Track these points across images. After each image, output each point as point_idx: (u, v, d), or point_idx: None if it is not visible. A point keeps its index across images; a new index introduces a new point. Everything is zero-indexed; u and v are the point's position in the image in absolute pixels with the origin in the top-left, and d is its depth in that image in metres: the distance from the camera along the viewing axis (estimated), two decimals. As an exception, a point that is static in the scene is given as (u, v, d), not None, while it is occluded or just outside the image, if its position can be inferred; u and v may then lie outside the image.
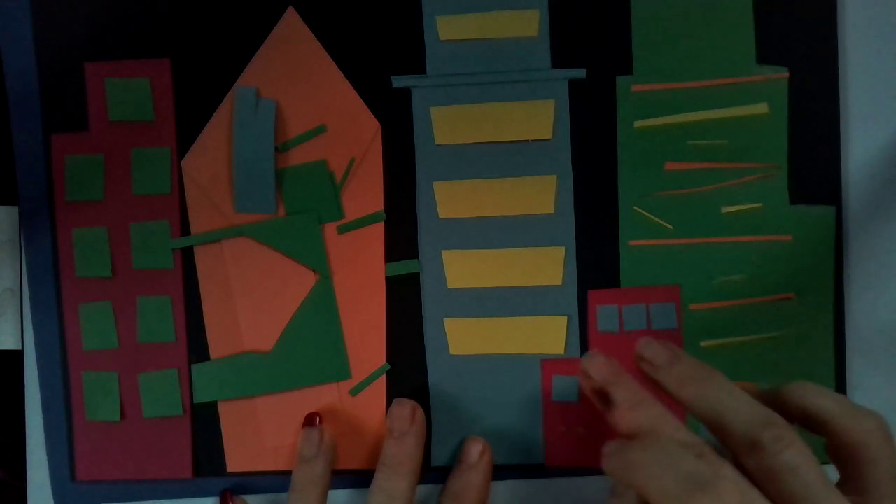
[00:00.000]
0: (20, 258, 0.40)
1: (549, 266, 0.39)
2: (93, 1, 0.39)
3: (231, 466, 0.39)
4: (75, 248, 0.39)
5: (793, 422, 0.30)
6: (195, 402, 0.39)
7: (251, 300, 0.39)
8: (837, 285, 0.38)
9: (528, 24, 0.38)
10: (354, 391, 0.39)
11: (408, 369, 0.39)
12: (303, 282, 0.39)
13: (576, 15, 0.38)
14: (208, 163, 0.39)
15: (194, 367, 0.39)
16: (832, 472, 0.30)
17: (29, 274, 0.39)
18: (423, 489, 0.39)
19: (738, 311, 0.38)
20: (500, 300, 0.39)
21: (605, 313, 0.38)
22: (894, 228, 0.38)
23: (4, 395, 0.40)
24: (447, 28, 0.38)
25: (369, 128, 0.39)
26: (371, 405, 0.39)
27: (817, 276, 0.38)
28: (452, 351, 0.39)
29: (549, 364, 0.39)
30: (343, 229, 0.39)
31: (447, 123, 0.39)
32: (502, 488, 0.39)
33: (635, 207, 0.38)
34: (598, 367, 0.33)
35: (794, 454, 0.28)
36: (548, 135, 0.38)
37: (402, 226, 0.39)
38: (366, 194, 0.39)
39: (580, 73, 0.38)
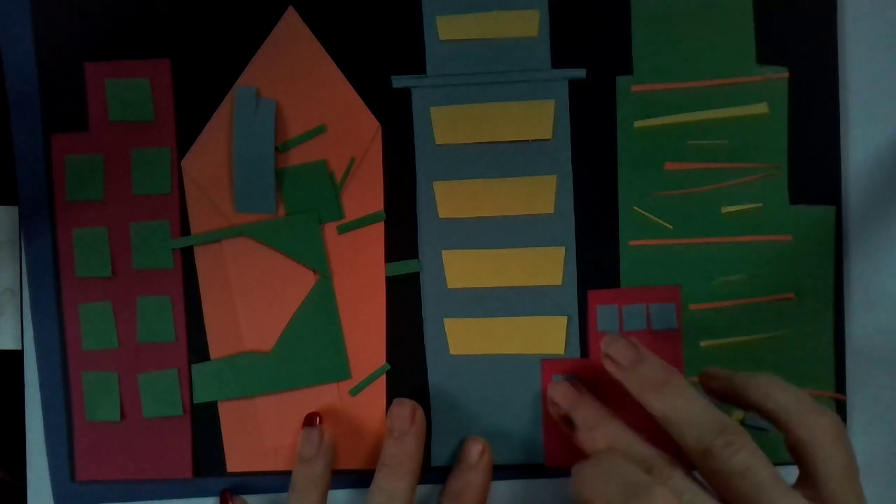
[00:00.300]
0: (20, 258, 0.40)
1: (550, 266, 0.39)
2: (93, 1, 0.39)
3: (231, 466, 0.39)
4: (75, 248, 0.39)
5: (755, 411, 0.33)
6: (195, 402, 0.39)
7: (251, 300, 0.39)
8: (837, 285, 0.38)
9: (528, 24, 0.38)
10: (354, 391, 0.39)
11: (408, 369, 0.39)
12: (303, 282, 0.39)
13: (576, 15, 0.38)
14: (208, 163, 0.39)
15: (194, 367, 0.39)
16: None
17: (29, 274, 0.39)
18: (423, 489, 0.39)
19: (738, 311, 0.38)
20: (500, 300, 0.39)
21: (605, 313, 0.38)
22: (894, 228, 0.38)
23: (4, 395, 0.40)
24: (447, 28, 0.38)
25: (369, 128, 0.39)
26: (371, 405, 0.39)
27: (817, 275, 0.38)
28: (452, 351, 0.39)
29: (549, 364, 0.39)
30: (343, 229, 0.39)
31: (447, 123, 0.39)
32: (502, 488, 0.39)
33: (635, 207, 0.38)
34: (561, 392, 0.36)
35: (744, 457, 0.30)
36: (548, 135, 0.38)
37: (402, 226, 0.39)
38: (366, 194, 0.39)
39: (580, 73, 0.38)
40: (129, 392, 0.39)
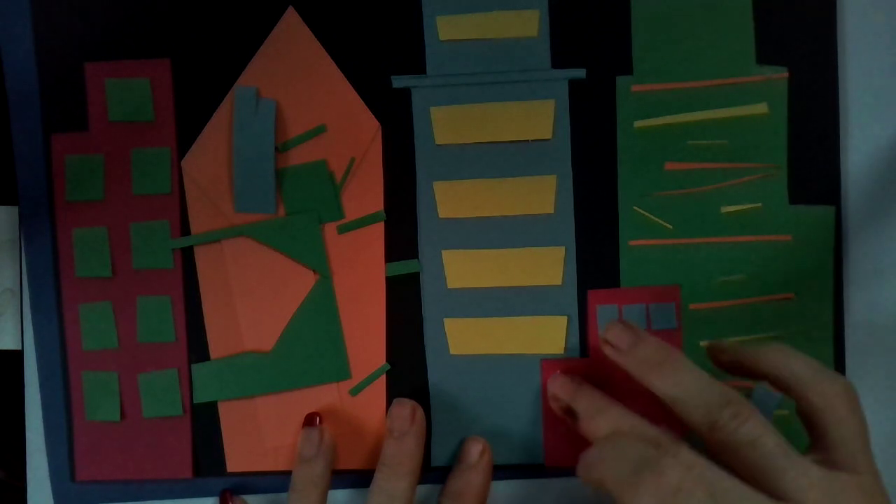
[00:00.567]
0: (20, 258, 0.40)
1: (549, 266, 0.39)
2: (93, 1, 0.39)
3: (231, 466, 0.39)
4: (75, 248, 0.39)
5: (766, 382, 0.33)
6: (195, 402, 0.39)
7: (251, 300, 0.39)
8: (837, 285, 0.38)
9: (528, 24, 0.38)
10: (354, 391, 0.39)
11: (408, 369, 0.39)
12: (303, 282, 0.39)
13: (576, 15, 0.38)
14: (208, 163, 0.39)
15: (194, 367, 0.39)
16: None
17: (29, 274, 0.39)
18: (422, 489, 0.39)
19: (738, 311, 0.38)
20: (500, 300, 0.39)
21: (605, 313, 0.38)
22: (893, 228, 0.38)
23: (4, 395, 0.40)
24: (447, 28, 0.38)
25: (369, 128, 0.39)
26: (371, 405, 0.39)
27: (817, 275, 0.38)
28: (452, 351, 0.39)
29: (548, 364, 0.39)
30: (343, 229, 0.39)
31: (447, 123, 0.39)
32: (502, 488, 0.39)
33: (635, 207, 0.38)
34: (560, 385, 0.37)
35: (751, 427, 0.30)
36: (548, 135, 0.38)
37: (403, 226, 0.39)
38: (366, 194, 0.39)
39: (580, 73, 0.38)
40: (129, 392, 0.39)
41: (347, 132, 0.39)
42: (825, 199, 0.38)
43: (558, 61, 0.38)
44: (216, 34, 0.39)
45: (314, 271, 0.39)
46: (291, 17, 0.39)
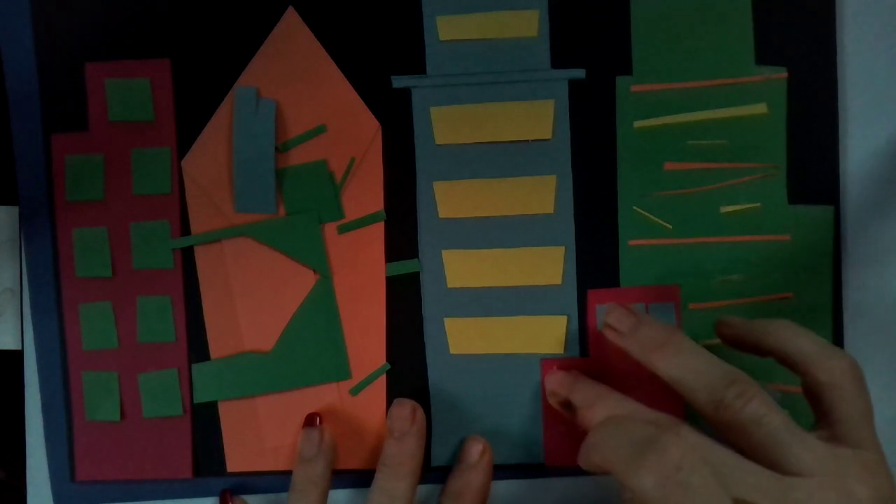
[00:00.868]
0: (20, 258, 0.40)
1: (549, 266, 0.39)
2: (92, 1, 0.39)
3: (231, 466, 0.39)
4: (75, 248, 0.39)
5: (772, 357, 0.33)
6: (195, 401, 0.39)
7: (251, 300, 0.39)
8: (836, 284, 0.38)
9: (528, 25, 0.38)
10: (355, 391, 0.39)
11: (408, 369, 0.39)
12: (303, 282, 0.39)
13: (575, 15, 0.38)
14: (208, 163, 0.39)
15: (194, 366, 0.39)
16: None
17: (29, 274, 0.39)
18: (423, 489, 0.39)
19: (738, 311, 0.38)
20: (500, 300, 0.39)
21: (605, 313, 0.38)
22: (893, 228, 0.38)
23: (4, 395, 0.40)
24: (447, 28, 0.38)
25: (369, 128, 0.39)
26: (371, 405, 0.39)
27: (816, 275, 0.38)
28: (452, 350, 0.39)
29: (548, 363, 0.39)
30: (343, 229, 0.39)
31: (447, 123, 0.39)
32: (503, 487, 0.39)
33: (635, 207, 0.38)
34: (557, 380, 0.36)
35: (756, 406, 0.30)
36: (547, 135, 0.38)
37: (402, 226, 0.39)
38: (366, 194, 0.39)
39: (580, 73, 0.38)
40: (130, 392, 0.39)
41: (347, 132, 0.39)
42: (824, 199, 0.38)
43: (558, 61, 0.38)
44: (216, 34, 0.39)
45: (314, 271, 0.39)
46: (291, 17, 0.39)
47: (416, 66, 0.39)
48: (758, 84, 0.38)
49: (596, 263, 0.39)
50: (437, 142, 0.39)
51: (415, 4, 0.38)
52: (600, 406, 0.33)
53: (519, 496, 0.39)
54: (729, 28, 0.38)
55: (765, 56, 0.38)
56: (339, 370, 0.39)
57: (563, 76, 0.38)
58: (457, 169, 0.39)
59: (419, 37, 0.39)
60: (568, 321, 0.39)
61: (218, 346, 0.39)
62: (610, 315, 0.35)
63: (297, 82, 0.39)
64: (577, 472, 0.39)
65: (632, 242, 0.38)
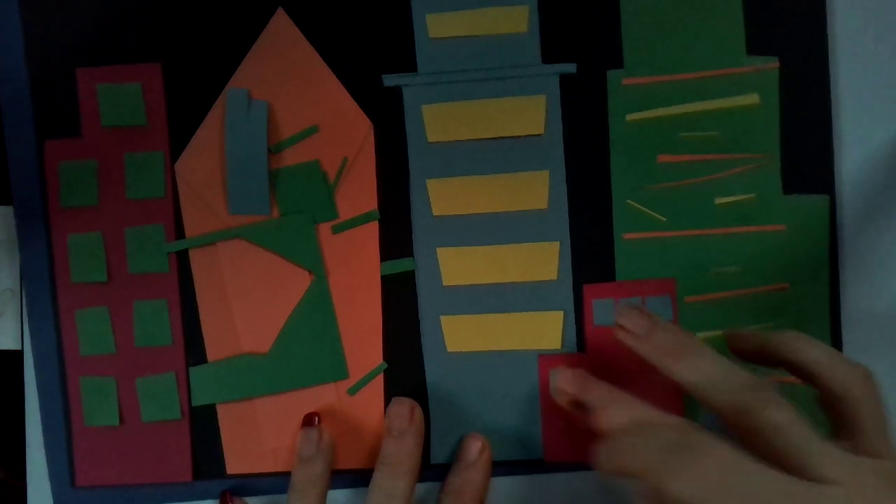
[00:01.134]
0: (20, 258, 0.40)
1: (544, 261, 0.39)
2: (83, 7, 0.39)
3: (231, 468, 0.39)
4: (70, 254, 0.39)
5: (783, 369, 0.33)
6: (193, 405, 0.39)
7: (247, 302, 0.39)
8: (832, 274, 0.38)
9: (518, 20, 0.38)
10: (352, 391, 0.39)
11: (405, 368, 0.39)
12: (298, 282, 0.39)
13: (565, 10, 0.38)
14: (201, 165, 0.39)
15: (192, 370, 0.39)
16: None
17: (25, 280, 0.39)
18: (422, 487, 0.39)
19: (734, 302, 0.38)
20: (495, 296, 0.39)
21: (601, 307, 0.38)
22: (888, 215, 0.38)
23: (4, 395, 0.40)
24: (437, 26, 0.38)
25: (361, 127, 0.39)
26: (369, 404, 0.39)
27: (812, 265, 0.38)
28: (449, 348, 0.39)
29: (546, 359, 0.39)
30: (337, 229, 0.39)
31: (439, 121, 0.39)
32: (502, 484, 0.39)
33: (629, 201, 0.38)
34: (566, 378, 0.35)
35: (775, 412, 0.29)
36: (540, 130, 0.38)
37: (397, 224, 0.39)
38: (359, 194, 0.39)
39: (571, 67, 0.38)
40: (128, 397, 0.39)
41: (340, 132, 0.39)
42: (819, 189, 0.38)
43: (548, 56, 0.38)
44: (206, 37, 0.39)
45: (309, 272, 0.39)
46: (281, 18, 0.39)
47: (407, 64, 0.39)
48: (750, 74, 0.38)
49: (591, 258, 0.38)
50: (430, 139, 0.39)
51: (404, 2, 0.38)
52: (618, 408, 0.32)
53: (518, 492, 0.39)
54: (720, 19, 0.38)
55: (756, 46, 0.38)
56: (336, 370, 0.39)
57: (554, 71, 0.38)
58: (450, 166, 0.39)
59: (409, 35, 0.39)
60: (564, 316, 0.39)
61: (215, 348, 0.39)
62: (623, 316, 0.34)
63: (289, 83, 0.39)
64: (576, 467, 0.39)
65: (626, 236, 0.38)
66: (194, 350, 0.39)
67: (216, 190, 0.39)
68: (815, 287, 0.38)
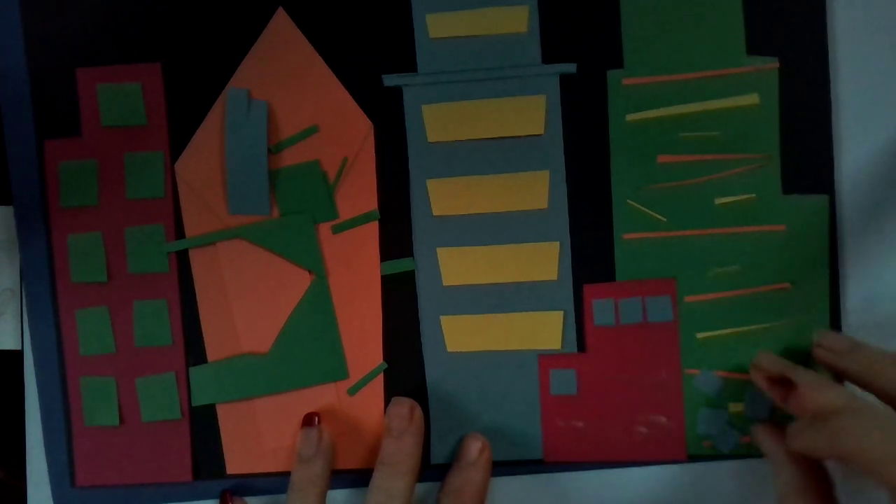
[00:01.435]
0: (20, 258, 0.40)
1: (544, 261, 0.39)
2: (83, 7, 0.39)
3: (231, 468, 0.39)
4: (70, 254, 0.39)
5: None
6: (193, 404, 0.39)
7: (247, 302, 0.39)
8: (833, 274, 0.38)
9: (518, 20, 0.38)
10: (352, 390, 0.39)
11: (405, 368, 0.39)
12: (298, 282, 0.39)
13: (565, 10, 0.38)
14: (201, 165, 0.39)
15: (192, 370, 0.39)
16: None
17: (25, 280, 0.39)
18: (422, 487, 0.39)
19: (734, 303, 0.38)
20: (495, 296, 0.39)
21: (601, 307, 0.38)
22: (888, 215, 0.38)
23: (4, 395, 0.40)
24: (437, 26, 0.38)
25: (361, 127, 0.39)
26: (369, 404, 0.39)
27: (812, 265, 0.38)
28: (449, 348, 0.39)
29: (545, 359, 0.39)
30: (337, 229, 0.39)
31: (439, 121, 0.39)
32: (502, 484, 0.39)
33: (629, 201, 0.38)
34: (771, 359, 0.35)
35: None
36: (540, 130, 0.38)
37: (397, 224, 0.39)
38: (359, 194, 0.39)
39: (571, 67, 0.38)
40: (128, 396, 0.39)
41: (340, 132, 0.39)
42: (819, 189, 0.38)
43: (548, 56, 0.38)
44: (206, 37, 0.39)
45: (309, 272, 0.39)
46: (281, 18, 0.39)
47: (407, 64, 0.39)
48: (749, 74, 0.38)
49: (591, 258, 0.38)
50: (430, 139, 0.39)
51: (404, 2, 0.38)
52: (829, 390, 0.31)
53: (518, 492, 0.39)
54: (719, 19, 0.38)
55: (756, 46, 0.38)
56: (336, 370, 0.39)
57: (554, 71, 0.38)
58: (450, 166, 0.39)
59: (409, 35, 0.39)
60: (564, 316, 0.39)
61: (215, 348, 0.39)
62: (824, 337, 0.35)
63: (289, 83, 0.39)
64: (577, 466, 0.39)
65: (626, 236, 0.38)
66: (194, 350, 0.39)
67: (216, 190, 0.39)
68: (815, 287, 0.38)
